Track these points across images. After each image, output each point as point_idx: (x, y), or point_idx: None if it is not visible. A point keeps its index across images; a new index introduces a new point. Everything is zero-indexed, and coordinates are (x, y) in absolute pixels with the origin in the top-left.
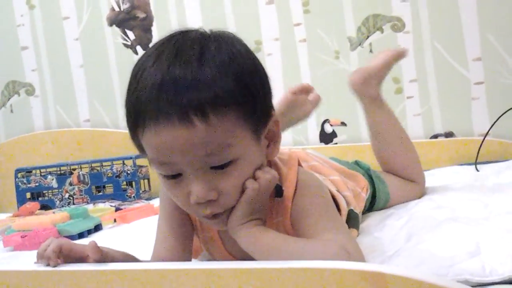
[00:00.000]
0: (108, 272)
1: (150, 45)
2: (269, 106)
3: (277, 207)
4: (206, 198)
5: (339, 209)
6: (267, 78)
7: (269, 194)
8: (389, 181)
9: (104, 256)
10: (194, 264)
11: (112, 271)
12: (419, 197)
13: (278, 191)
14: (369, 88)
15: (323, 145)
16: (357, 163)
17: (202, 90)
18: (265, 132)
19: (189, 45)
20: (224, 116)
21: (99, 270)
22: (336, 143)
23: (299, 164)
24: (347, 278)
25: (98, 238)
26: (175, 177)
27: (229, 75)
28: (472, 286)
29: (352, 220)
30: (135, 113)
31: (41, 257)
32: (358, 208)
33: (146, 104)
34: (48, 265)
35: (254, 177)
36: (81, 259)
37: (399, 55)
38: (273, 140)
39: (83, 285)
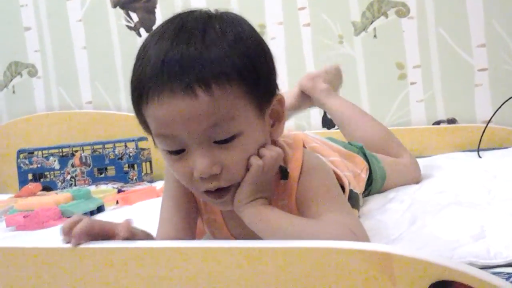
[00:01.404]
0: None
1: (154, 27)
2: (273, 84)
3: (282, 189)
4: (209, 172)
5: (342, 189)
6: (271, 57)
7: (275, 172)
8: (381, 157)
9: (132, 235)
10: (196, 243)
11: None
12: (414, 171)
13: (283, 173)
14: (317, 83)
15: (325, 130)
16: (349, 143)
17: (205, 63)
18: (269, 110)
19: (192, 22)
20: (227, 89)
21: (108, 248)
22: (338, 128)
23: (304, 147)
24: (353, 258)
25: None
26: (178, 152)
27: (232, 49)
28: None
29: (352, 200)
30: (139, 87)
31: (66, 234)
32: (358, 189)
33: (150, 77)
34: (68, 242)
35: (258, 155)
36: (108, 237)
37: (336, 69)
38: (278, 119)
39: (95, 262)
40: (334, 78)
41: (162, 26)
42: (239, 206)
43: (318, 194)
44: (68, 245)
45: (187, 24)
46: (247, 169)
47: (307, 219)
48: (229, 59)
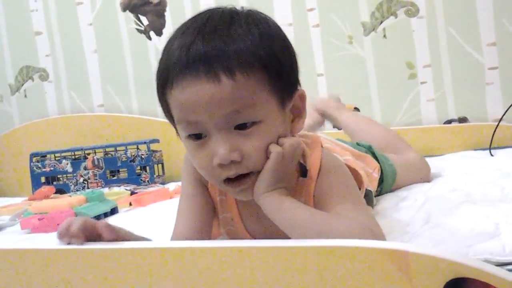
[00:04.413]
0: (132, 251)
1: (164, 30)
2: (295, 79)
3: (300, 187)
4: (229, 158)
5: (359, 184)
6: (294, 53)
7: (296, 161)
8: (390, 156)
9: (118, 234)
10: (216, 243)
11: (135, 249)
12: (423, 168)
13: (302, 171)
14: (330, 103)
15: (336, 130)
16: (357, 143)
17: (230, 51)
18: (290, 105)
19: (219, 16)
20: (250, 77)
21: (126, 248)
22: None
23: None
24: (370, 256)
25: (114, 221)
26: (199, 138)
27: (257, 41)
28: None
29: (367, 198)
30: (165, 73)
31: (63, 236)
32: (371, 187)
33: (175, 64)
34: (69, 243)
35: (278, 145)
36: (99, 236)
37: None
38: (298, 115)
39: (108, 263)
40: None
41: (188, 21)
42: (259, 195)
43: (336, 193)
44: (72, 246)
45: (214, 18)
46: (267, 158)
47: (327, 214)
48: (254, 50)
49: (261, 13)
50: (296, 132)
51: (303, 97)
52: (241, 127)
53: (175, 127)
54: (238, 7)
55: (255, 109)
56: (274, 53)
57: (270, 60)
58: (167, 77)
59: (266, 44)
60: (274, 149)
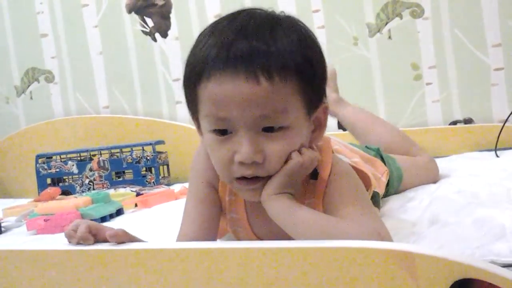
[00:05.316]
0: (140, 251)
1: (169, 32)
2: (323, 90)
3: (310, 189)
4: (252, 159)
5: (367, 186)
6: (325, 63)
7: (307, 173)
8: (397, 157)
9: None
10: (221, 244)
11: (145, 250)
12: (432, 170)
13: (313, 173)
14: (328, 96)
15: (341, 131)
16: (366, 147)
17: (271, 54)
18: (314, 116)
19: (261, 17)
20: (288, 82)
21: (132, 249)
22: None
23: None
24: (376, 257)
25: (120, 222)
26: (223, 133)
27: (296, 48)
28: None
29: (374, 199)
30: (202, 64)
31: (71, 237)
32: (379, 190)
33: (215, 56)
34: (77, 244)
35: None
36: (106, 240)
37: (332, 72)
38: (319, 127)
39: (116, 264)
40: (334, 81)
41: (223, 19)
42: (266, 196)
43: (346, 197)
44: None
45: (256, 19)
46: (285, 162)
47: (333, 217)
48: (293, 56)
49: (298, 19)
50: (315, 143)
51: (326, 110)
52: (269, 129)
53: (196, 121)
54: (278, 12)
55: (286, 115)
56: (310, 60)
57: (305, 67)
58: (202, 70)
59: (303, 51)
60: (296, 157)
